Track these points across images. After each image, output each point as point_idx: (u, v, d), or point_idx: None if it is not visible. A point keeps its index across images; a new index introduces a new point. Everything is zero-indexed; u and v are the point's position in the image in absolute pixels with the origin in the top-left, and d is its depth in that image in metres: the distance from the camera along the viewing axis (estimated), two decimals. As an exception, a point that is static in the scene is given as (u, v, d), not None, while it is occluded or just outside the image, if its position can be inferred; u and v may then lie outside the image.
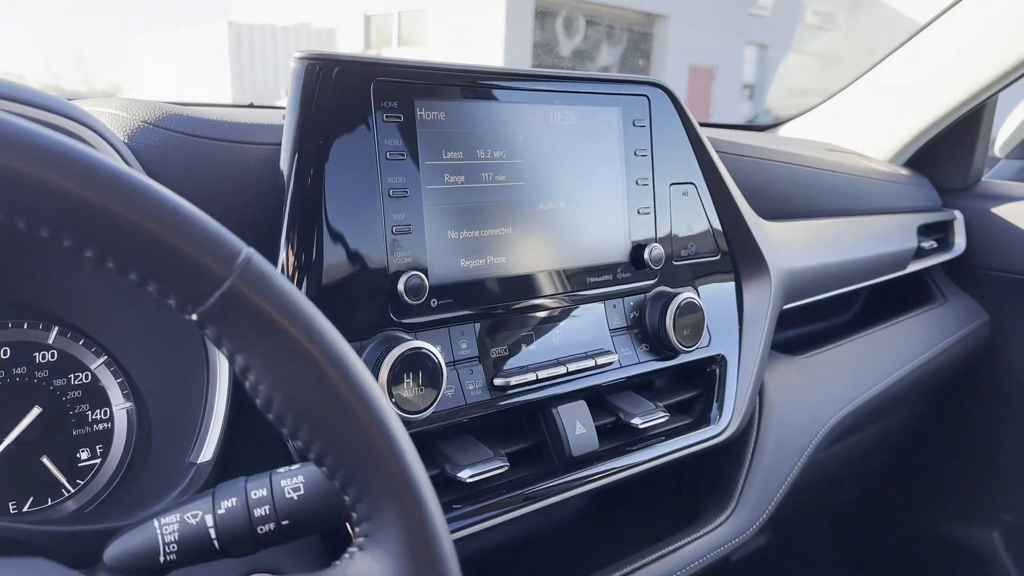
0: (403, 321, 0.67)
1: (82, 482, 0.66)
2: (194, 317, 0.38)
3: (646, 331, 0.84)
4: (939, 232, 1.43)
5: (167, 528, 0.46)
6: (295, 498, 0.47)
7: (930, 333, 1.32)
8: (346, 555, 0.41)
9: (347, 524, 0.44)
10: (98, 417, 0.67)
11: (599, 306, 0.82)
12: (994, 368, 1.45)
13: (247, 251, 0.39)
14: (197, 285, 0.37)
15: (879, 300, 1.38)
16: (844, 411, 1.08)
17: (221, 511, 0.46)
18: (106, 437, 0.67)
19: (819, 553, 1.59)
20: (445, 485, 0.69)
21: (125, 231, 0.36)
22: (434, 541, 0.40)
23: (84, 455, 0.66)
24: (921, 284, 1.44)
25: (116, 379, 0.68)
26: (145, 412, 0.67)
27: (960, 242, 1.44)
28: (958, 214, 1.45)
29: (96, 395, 0.67)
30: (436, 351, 0.65)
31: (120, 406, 0.68)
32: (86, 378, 0.67)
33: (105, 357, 0.67)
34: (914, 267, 1.34)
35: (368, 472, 0.40)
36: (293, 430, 0.40)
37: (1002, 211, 1.43)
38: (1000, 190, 1.48)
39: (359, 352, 0.66)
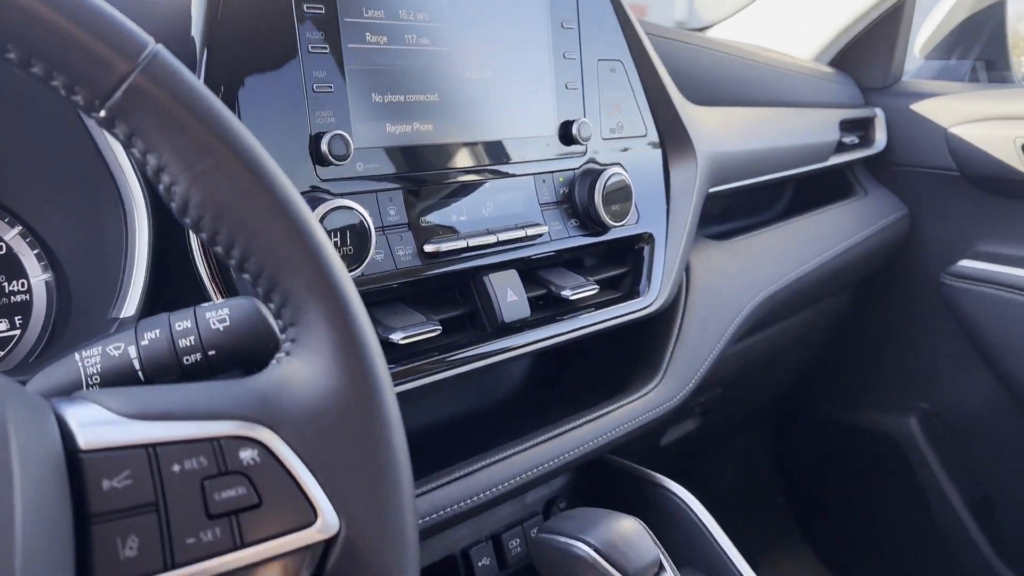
0: (328, 183, 0.67)
1: (2, 353, 0.64)
2: (102, 114, 0.37)
3: (576, 207, 0.85)
4: (861, 129, 1.47)
5: (88, 361, 0.45)
6: (221, 329, 0.47)
7: (851, 224, 1.37)
8: (274, 361, 0.41)
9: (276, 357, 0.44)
10: (15, 289, 0.65)
11: (529, 181, 0.83)
12: (912, 261, 1.51)
13: (155, 46, 0.37)
14: (103, 78, 0.36)
15: (803, 197, 1.42)
16: (768, 291, 1.12)
17: (144, 342, 0.45)
18: (25, 309, 0.65)
19: (746, 441, 1.66)
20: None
21: (29, 19, 0.35)
22: (360, 336, 0.41)
23: (2, 327, 0.65)
24: (843, 179, 1.48)
25: (32, 250, 0.66)
26: (64, 280, 0.66)
27: (881, 138, 1.48)
28: (879, 111, 1.48)
29: (12, 266, 0.65)
30: (363, 210, 0.65)
31: (38, 277, 0.66)
32: (0, 250, 0.64)
33: (20, 228, 0.65)
34: (836, 160, 1.38)
35: (290, 272, 0.40)
36: (212, 233, 0.39)
37: (921, 108, 1.47)
38: (919, 88, 1.52)
39: None
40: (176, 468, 0.36)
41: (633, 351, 0.96)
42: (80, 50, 0.35)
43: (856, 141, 1.45)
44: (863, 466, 1.66)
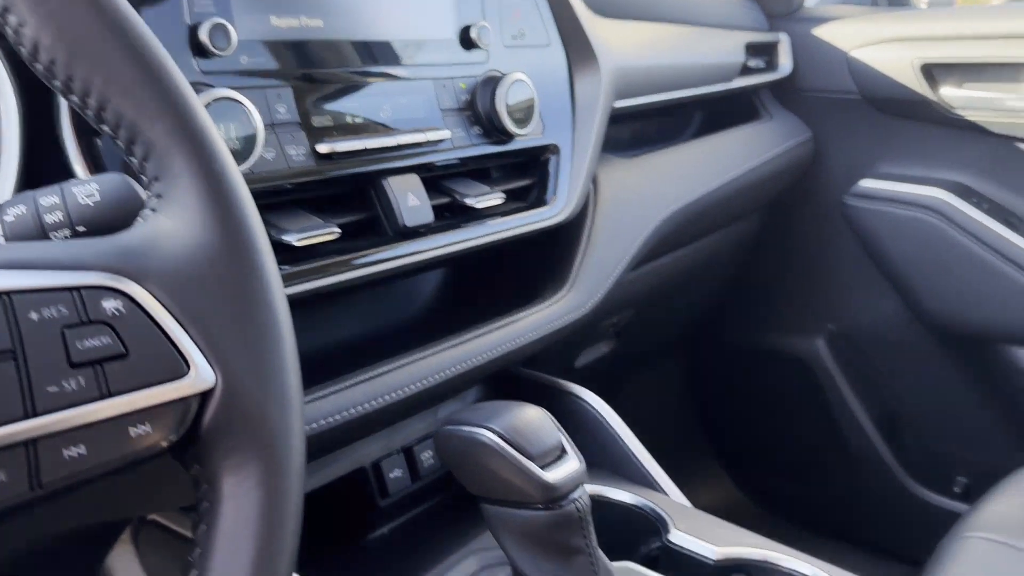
0: (210, 77, 0.64)
1: None
2: None
3: (478, 114, 0.84)
4: (766, 54, 1.49)
5: (-56, 238, 0.43)
6: (90, 204, 0.44)
7: (756, 146, 1.39)
8: (139, 218, 0.40)
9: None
10: None
11: (428, 85, 0.81)
12: (816, 184, 1.55)
13: None
14: None
15: (711, 122, 1.44)
16: (675, 208, 1.13)
17: (9, 219, 0.43)
18: None
19: (660, 367, 1.69)
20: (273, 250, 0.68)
21: None
22: (229, 186, 0.39)
23: None
24: (749, 103, 1.50)
25: None
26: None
27: (785, 63, 1.51)
28: (783, 36, 1.51)
29: None
30: (249, 103, 0.62)
31: None
32: None
33: None
34: (741, 83, 1.39)
35: (150, 118, 0.38)
36: (66, 80, 0.37)
37: (823, 33, 1.50)
38: (821, 13, 1.55)
39: None
40: (34, 316, 0.34)
41: (541, 263, 0.96)
42: None
43: (762, 66, 1.47)
44: (774, 388, 1.71)
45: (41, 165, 0.57)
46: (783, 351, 1.67)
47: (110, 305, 0.36)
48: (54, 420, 0.34)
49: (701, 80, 1.27)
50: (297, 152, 0.69)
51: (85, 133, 0.59)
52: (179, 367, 0.37)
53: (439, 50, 0.82)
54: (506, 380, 0.96)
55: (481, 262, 0.91)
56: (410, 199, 0.77)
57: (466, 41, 0.83)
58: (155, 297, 0.37)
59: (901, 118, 1.46)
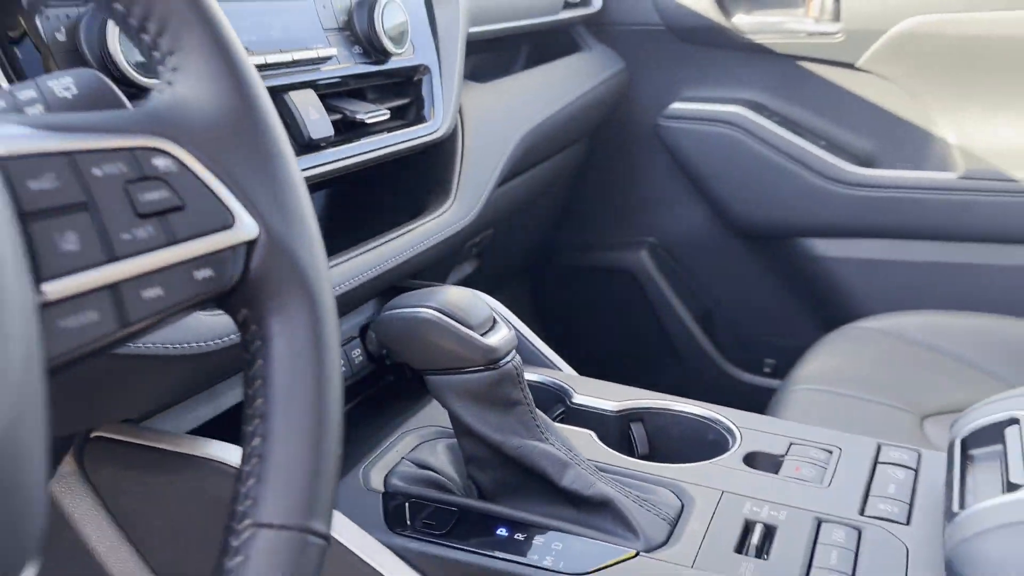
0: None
1: None
2: None
3: (356, 34, 0.88)
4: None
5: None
6: (69, 96, 0.46)
7: (580, 76, 1.51)
8: (156, 90, 0.42)
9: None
10: None
11: (309, 5, 0.84)
12: (632, 110, 1.70)
13: None
14: None
15: (537, 56, 1.54)
16: (528, 128, 1.23)
17: (-12, 111, 0.44)
18: None
19: (510, 285, 1.81)
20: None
21: None
22: (241, 59, 0.43)
23: None
24: (570, 38, 1.62)
25: None
26: None
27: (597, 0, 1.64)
28: (593, -25, 1.63)
29: None
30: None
31: None
32: None
33: None
34: (563, 15, 1.51)
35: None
36: None
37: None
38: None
39: None
40: (98, 172, 0.37)
41: (425, 179, 1.02)
42: None
43: (579, 4, 1.59)
44: (608, 301, 1.88)
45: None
46: (613, 267, 1.83)
47: (162, 163, 0.39)
48: (132, 265, 0.37)
49: (532, 13, 1.37)
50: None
51: (3, 44, 0.58)
52: (227, 218, 0.41)
53: (315, -29, 0.85)
54: (399, 291, 1.02)
55: (367, 180, 0.96)
56: (311, 113, 0.80)
57: (337, -36, 0.87)
58: (195, 157, 0.40)
59: (702, 46, 1.64)
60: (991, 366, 1.21)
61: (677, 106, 1.66)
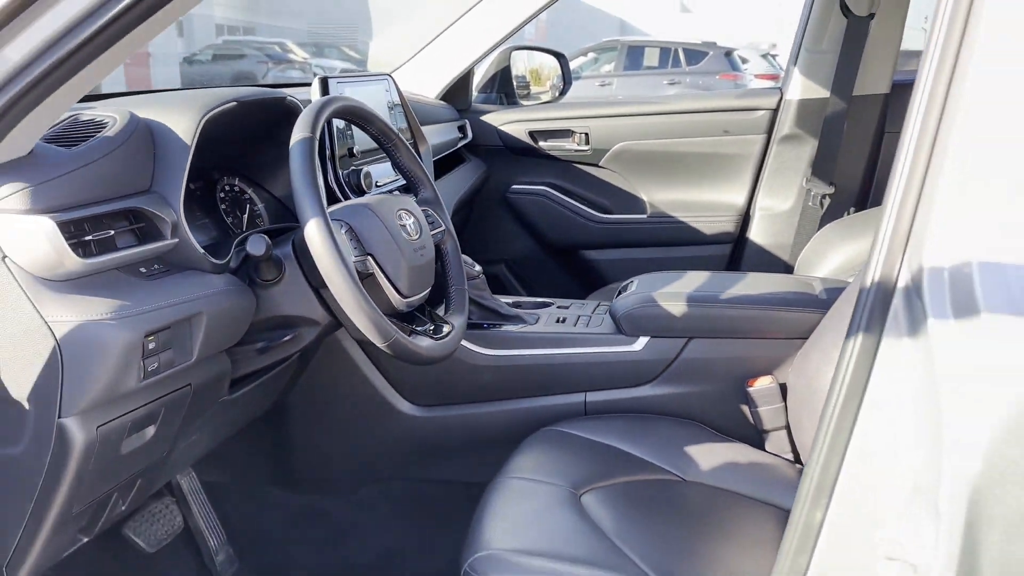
0: None
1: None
2: None
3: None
4: (461, 131, 3.13)
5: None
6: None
7: (467, 176, 3.02)
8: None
9: None
10: None
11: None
12: (492, 190, 3.24)
13: None
14: None
15: (446, 169, 3.03)
16: (453, 203, 2.73)
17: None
18: None
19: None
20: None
21: None
22: None
23: None
24: (460, 156, 3.13)
25: None
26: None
27: (470, 134, 3.16)
28: (467, 120, 3.17)
29: None
30: None
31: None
32: None
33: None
34: (459, 145, 3.02)
35: None
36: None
37: (485, 118, 3.18)
38: (480, 108, 3.24)
39: None
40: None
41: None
42: None
43: (462, 136, 3.11)
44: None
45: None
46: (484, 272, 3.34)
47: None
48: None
49: (448, 146, 2.87)
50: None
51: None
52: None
53: None
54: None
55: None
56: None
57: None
58: None
59: (524, 156, 3.21)
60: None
61: (515, 186, 3.22)
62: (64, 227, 1.26)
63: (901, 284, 0.93)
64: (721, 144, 3.02)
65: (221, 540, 2.17)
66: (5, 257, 1.23)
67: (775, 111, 2.93)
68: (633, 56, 15.05)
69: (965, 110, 0.88)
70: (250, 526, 2.25)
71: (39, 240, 1.24)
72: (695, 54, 14.66)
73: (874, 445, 0.95)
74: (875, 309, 0.94)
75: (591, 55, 15.57)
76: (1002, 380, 0.84)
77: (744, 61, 14.93)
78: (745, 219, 3.04)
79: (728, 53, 14.78)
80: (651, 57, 14.98)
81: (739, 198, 3.03)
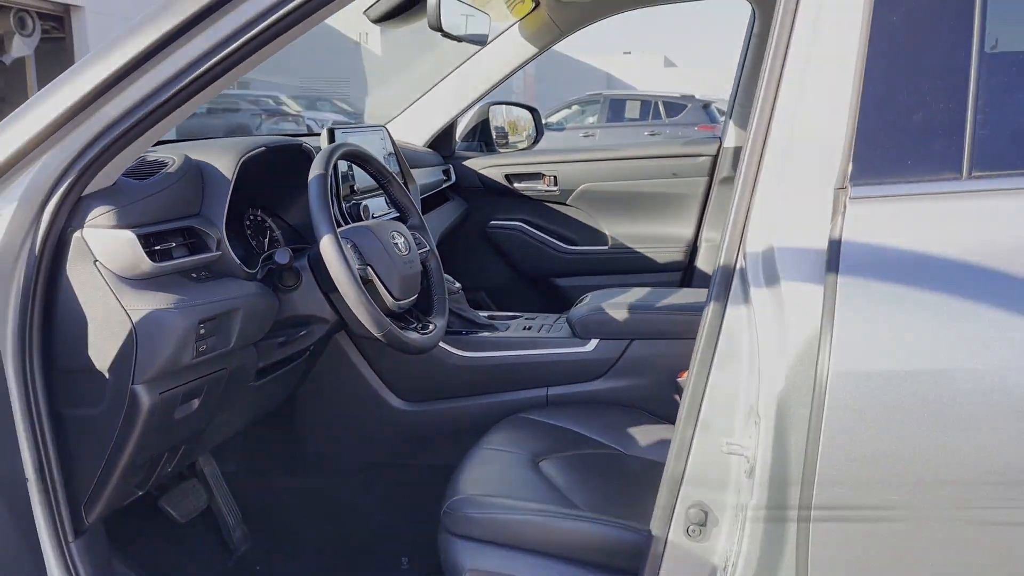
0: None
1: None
2: None
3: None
4: (446, 175, 3.57)
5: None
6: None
7: (450, 212, 3.46)
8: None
9: None
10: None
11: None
12: (472, 225, 3.68)
13: None
14: None
15: (430, 206, 3.47)
16: (437, 235, 3.17)
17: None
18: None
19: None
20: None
21: None
22: None
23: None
24: (444, 195, 3.57)
25: None
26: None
27: (454, 176, 3.61)
28: (450, 165, 3.62)
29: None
30: None
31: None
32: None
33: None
34: (443, 186, 3.46)
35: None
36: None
37: (468, 163, 3.64)
38: (463, 155, 3.70)
39: None
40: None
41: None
42: None
43: (446, 179, 3.55)
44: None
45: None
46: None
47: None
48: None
49: (428, 188, 3.31)
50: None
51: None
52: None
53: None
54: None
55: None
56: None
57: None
58: None
59: (501, 195, 3.65)
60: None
61: (493, 222, 3.66)
62: (140, 239, 1.68)
63: (738, 266, 1.36)
64: (671, 185, 3.48)
65: (237, 519, 2.55)
66: (96, 261, 1.65)
67: (715, 157, 3.40)
68: (615, 108, 15.74)
69: (771, 147, 1.32)
70: (261, 507, 2.63)
71: (123, 248, 1.65)
72: (674, 106, 15.35)
73: (722, 382, 1.37)
74: (722, 285, 1.37)
75: (575, 107, 16.26)
76: (794, 325, 1.27)
77: (722, 113, 15.63)
78: (693, 249, 3.48)
79: (706, 106, 15.48)
80: (632, 109, 15.67)
81: (687, 231, 3.48)
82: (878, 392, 1.19)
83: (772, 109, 1.32)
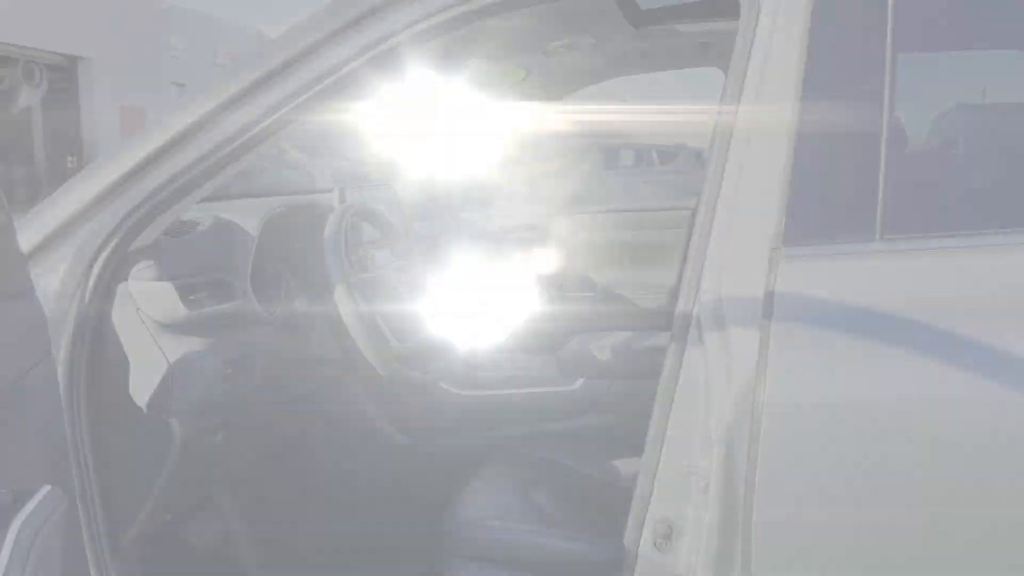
0: None
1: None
2: None
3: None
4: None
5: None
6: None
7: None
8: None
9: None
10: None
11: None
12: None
13: None
14: None
15: None
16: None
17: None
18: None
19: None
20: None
21: None
22: None
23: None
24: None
25: None
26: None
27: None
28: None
29: None
30: None
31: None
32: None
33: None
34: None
35: None
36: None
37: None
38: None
39: None
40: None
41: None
42: None
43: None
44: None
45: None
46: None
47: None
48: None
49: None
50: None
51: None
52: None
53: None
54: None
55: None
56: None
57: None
58: None
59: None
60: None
61: (488, 270, 3.90)
62: (177, 289, 1.92)
63: (695, 312, 1.59)
64: (659, 235, 3.75)
65: (252, 547, 2.75)
66: (139, 309, 1.88)
67: (694, 210, 3.66)
68: (610, 156, 16.12)
69: (721, 204, 1.56)
70: (273, 536, 2.83)
71: (162, 297, 1.89)
72: (668, 154, 15.73)
73: (682, 411, 1.60)
74: (681, 328, 1.60)
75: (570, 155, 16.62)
76: (738, 363, 1.50)
77: (713, 160, 15.94)
78: (676, 295, 3.73)
79: (699, 154, 15.87)
80: (626, 157, 16.05)
81: (670, 278, 3.74)
82: (806, 419, 1.43)
83: (723, 170, 1.56)
